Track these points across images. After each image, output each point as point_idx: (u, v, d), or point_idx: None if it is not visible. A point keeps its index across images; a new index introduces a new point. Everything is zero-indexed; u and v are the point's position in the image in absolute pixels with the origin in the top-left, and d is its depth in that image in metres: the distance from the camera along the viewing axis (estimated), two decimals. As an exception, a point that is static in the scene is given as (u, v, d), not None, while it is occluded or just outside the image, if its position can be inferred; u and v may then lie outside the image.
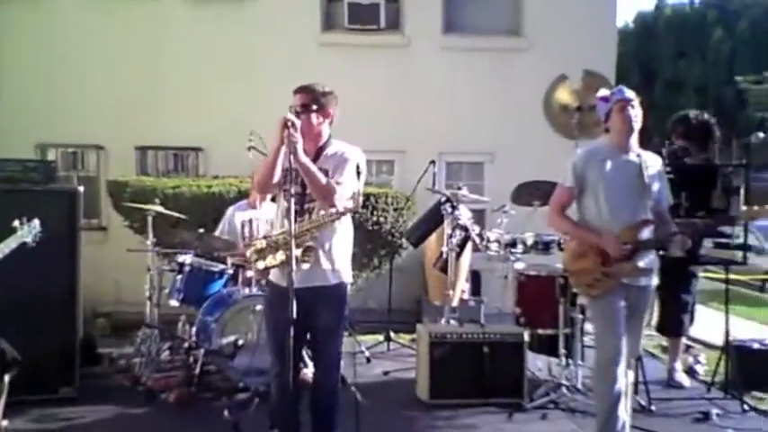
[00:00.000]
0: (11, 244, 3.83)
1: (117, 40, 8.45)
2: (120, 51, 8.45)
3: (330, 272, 3.49)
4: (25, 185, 4.86)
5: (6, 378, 3.79)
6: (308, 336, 3.62)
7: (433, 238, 5.87)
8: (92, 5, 8.52)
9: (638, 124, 3.92)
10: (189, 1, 8.57)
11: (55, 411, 4.67)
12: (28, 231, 3.92)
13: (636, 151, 3.96)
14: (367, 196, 6.82)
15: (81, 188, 5.12)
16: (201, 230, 5.50)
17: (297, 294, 3.11)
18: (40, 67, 8.42)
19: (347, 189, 3.39)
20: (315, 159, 3.44)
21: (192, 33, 8.50)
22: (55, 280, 4.89)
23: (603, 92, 4.08)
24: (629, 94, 3.95)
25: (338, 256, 3.51)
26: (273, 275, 3.52)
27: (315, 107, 3.49)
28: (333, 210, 3.34)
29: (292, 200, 3.21)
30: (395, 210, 6.97)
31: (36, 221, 3.99)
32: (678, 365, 5.56)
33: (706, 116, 5.66)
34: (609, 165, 3.93)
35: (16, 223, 3.92)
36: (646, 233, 3.91)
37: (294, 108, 3.44)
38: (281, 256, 3.32)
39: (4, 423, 3.94)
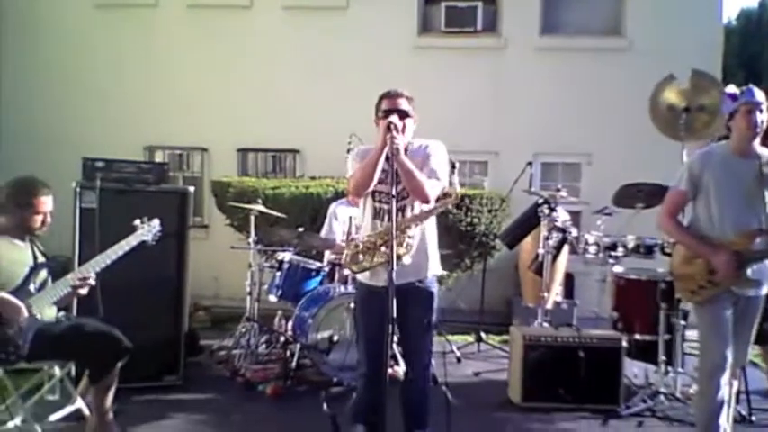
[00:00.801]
0: (131, 242, 4.01)
1: (217, 47, 8.81)
2: (220, 58, 8.79)
3: (423, 267, 3.58)
4: (139, 186, 5.08)
5: (118, 365, 4.00)
6: (399, 333, 3.68)
7: (528, 239, 5.83)
8: (192, 14, 8.92)
9: (762, 130, 3.76)
10: (286, 6, 8.82)
11: (159, 397, 4.90)
12: (148, 230, 4.10)
13: (757, 152, 3.80)
14: (462, 197, 6.80)
15: (192, 189, 5.34)
16: (301, 229, 5.66)
17: (399, 293, 3.14)
18: (145, 74, 8.88)
19: (439, 182, 3.49)
20: None
21: (290, 38, 8.75)
22: (165, 275, 5.13)
23: (732, 88, 3.89)
24: (759, 96, 3.75)
25: (430, 252, 3.60)
26: (363, 276, 3.59)
27: (411, 112, 3.58)
28: (432, 204, 3.48)
29: (394, 200, 3.28)
30: (489, 211, 6.94)
31: (156, 221, 4.16)
32: None
33: None
34: (724, 169, 3.78)
35: (137, 222, 4.11)
36: (759, 243, 3.75)
37: (393, 111, 3.51)
38: (378, 257, 3.43)
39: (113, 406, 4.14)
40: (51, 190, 3.99)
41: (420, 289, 3.58)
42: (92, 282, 3.88)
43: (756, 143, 3.79)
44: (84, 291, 3.88)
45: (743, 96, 3.78)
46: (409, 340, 3.72)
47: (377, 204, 3.56)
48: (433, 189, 3.46)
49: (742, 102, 3.76)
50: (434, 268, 3.65)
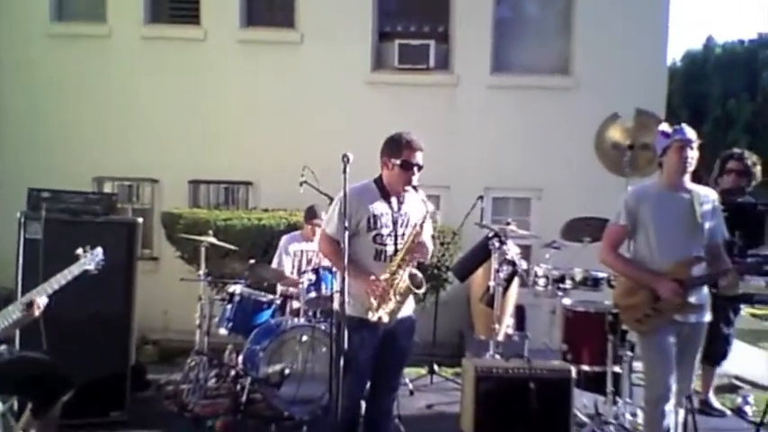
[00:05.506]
0: (74, 271, 3.94)
1: (169, 79, 8.75)
2: (173, 89, 8.74)
3: (409, 302, 3.82)
4: (87, 217, 5.02)
5: (62, 399, 3.89)
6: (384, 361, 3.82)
7: (479, 272, 5.87)
8: (146, 45, 8.86)
9: (692, 166, 3.94)
10: (241, 40, 8.84)
11: (105, 434, 4.76)
12: (91, 259, 4.03)
13: (688, 188, 3.97)
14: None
15: (140, 220, 5.28)
16: (252, 261, 5.61)
17: (388, 326, 3.61)
18: (96, 105, 8.74)
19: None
20: (401, 204, 3.82)
21: (244, 71, 8.75)
22: (111, 308, 5.05)
23: (665, 126, 4.09)
24: (691, 134, 3.95)
25: None
26: (359, 311, 3.59)
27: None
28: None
29: (388, 240, 3.77)
30: (441, 244, 6.99)
31: (99, 250, 4.09)
32: (712, 394, 5.68)
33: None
34: (660, 203, 3.95)
35: (79, 251, 4.03)
36: (698, 270, 3.89)
37: (414, 165, 3.78)
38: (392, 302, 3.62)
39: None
40: None
41: (408, 320, 3.84)
42: (41, 304, 3.77)
43: (687, 178, 3.97)
44: (36, 313, 3.77)
45: (675, 134, 3.99)
46: (392, 368, 3.88)
47: (378, 247, 3.70)
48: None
49: (675, 139, 3.96)
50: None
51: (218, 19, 8.89)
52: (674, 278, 3.85)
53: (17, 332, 4.23)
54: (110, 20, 8.94)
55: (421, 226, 3.71)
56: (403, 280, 3.60)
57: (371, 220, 3.70)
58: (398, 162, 3.71)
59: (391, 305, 3.58)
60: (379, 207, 3.74)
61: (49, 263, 4.41)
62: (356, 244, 3.63)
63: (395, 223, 3.73)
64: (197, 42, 8.86)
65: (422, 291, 3.70)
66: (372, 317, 3.53)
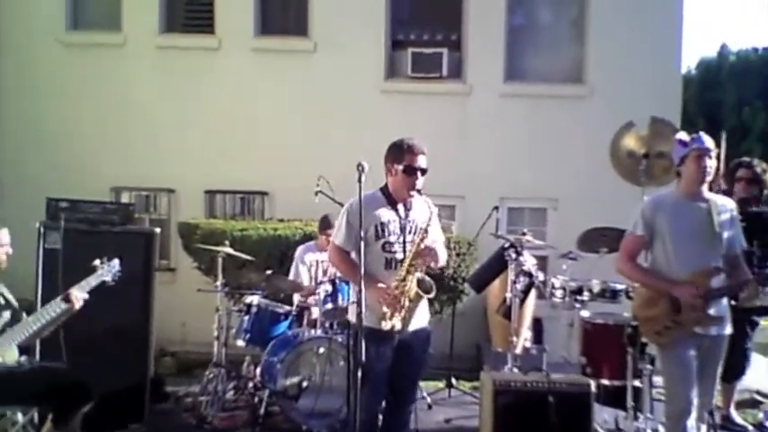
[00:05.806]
0: (91, 282, 3.99)
1: (185, 89, 8.77)
2: (188, 98, 8.76)
3: (424, 311, 3.82)
4: (104, 227, 5.04)
5: (82, 410, 3.90)
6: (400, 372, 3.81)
7: (496, 283, 5.84)
8: (161, 54, 8.90)
9: (710, 176, 3.91)
10: (255, 48, 8.86)
11: (124, 447, 4.79)
12: (108, 270, 4.07)
13: (705, 197, 3.94)
14: (430, 241, 6.87)
15: (158, 230, 5.29)
16: (269, 272, 5.62)
17: (402, 337, 3.60)
18: (112, 114, 8.78)
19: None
20: (408, 210, 3.81)
21: (258, 81, 8.76)
22: (130, 318, 5.05)
23: (682, 135, 4.06)
24: (709, 143, 3.93)
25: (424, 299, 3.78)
26: (372, 321, 3.57)
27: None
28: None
29: (398, 247, 3.75)
30: (457, 255, 6.97)
31: (116, 261, 4.13)
32: (733, 409, 5.58)
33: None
34: (677, 212, 3.93)
35: (97, 262, 4.07)
36: (717, 281, 3.86)
37: (417, 169, 3.76)
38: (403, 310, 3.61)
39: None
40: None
41: (423, 330, 3.83)
42: (79, 297, 3.84)
43: (704, 188, 3.94)
44: (77, 305, 3.87)
45: (693, 143, 3.96)
46: (408, 380, 3.86)
47: (387, 255, 3.71)
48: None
49: (692, 147, 3.94)
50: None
51: (233, 28, 8.91)
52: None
53: (37, 343, 4.25)
54: (125, 29, 8.98)
55: (426, 229, 3.69)
56: (412, 286, 3.57)
57: (379, 228, 3.69)
58: (401, 167, 3.71)
59: (403, 312, 3.57)
60: (386, 215, 3.74)
61: (68, 273, 4.45)
62: (366, 253, 3.61)
63: (403, 230, 3.72)
64: (211, 51, 8.88)
65: (432, 295, 3.66)
66: (385, 325, 3.53)
